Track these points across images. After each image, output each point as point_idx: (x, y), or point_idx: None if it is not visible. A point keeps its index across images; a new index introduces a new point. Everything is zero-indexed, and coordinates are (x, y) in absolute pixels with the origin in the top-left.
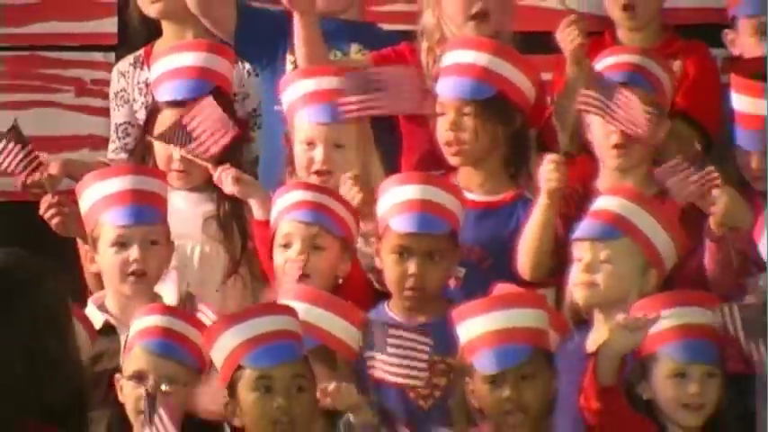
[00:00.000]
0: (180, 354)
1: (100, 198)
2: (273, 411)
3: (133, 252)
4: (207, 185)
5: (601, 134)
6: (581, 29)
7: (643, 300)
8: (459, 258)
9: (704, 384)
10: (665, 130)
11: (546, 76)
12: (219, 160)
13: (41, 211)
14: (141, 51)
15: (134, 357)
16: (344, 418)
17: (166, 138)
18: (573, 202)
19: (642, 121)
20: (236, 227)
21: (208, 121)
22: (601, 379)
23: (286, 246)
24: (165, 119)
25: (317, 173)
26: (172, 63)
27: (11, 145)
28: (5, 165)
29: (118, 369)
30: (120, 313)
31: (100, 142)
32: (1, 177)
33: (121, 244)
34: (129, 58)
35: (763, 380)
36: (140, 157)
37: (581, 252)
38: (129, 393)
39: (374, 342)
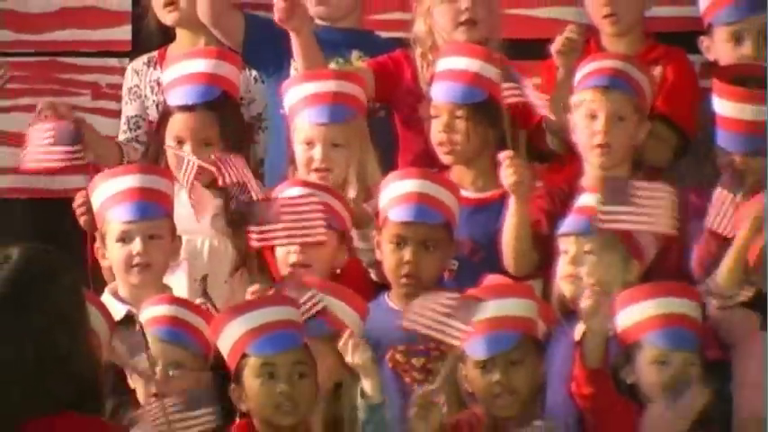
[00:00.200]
0: (186, 340)
1: (108, 196)
2: (277, 396)
3: (135, 246)
4: (215, 183)
5: (585, 135)
6: (578, 44)
7: (627, 290)
8: (455, 252)
9: (685, 371)
10: (646, 131)
11: (534, 81)
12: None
13: (75, 205)
14: (156, 53)
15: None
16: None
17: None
18: (558, 199)
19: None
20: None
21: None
22: (588, 362)
23: None
24: (176, 122)
25: (317, 170)
26: (183, 69)
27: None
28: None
29: None
30: (133, 303)
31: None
32: (16, 174)
33: (125, 239)
34: (144, 58)
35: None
36: (154, 159)
37: (566, 246)
38: (138, 380)
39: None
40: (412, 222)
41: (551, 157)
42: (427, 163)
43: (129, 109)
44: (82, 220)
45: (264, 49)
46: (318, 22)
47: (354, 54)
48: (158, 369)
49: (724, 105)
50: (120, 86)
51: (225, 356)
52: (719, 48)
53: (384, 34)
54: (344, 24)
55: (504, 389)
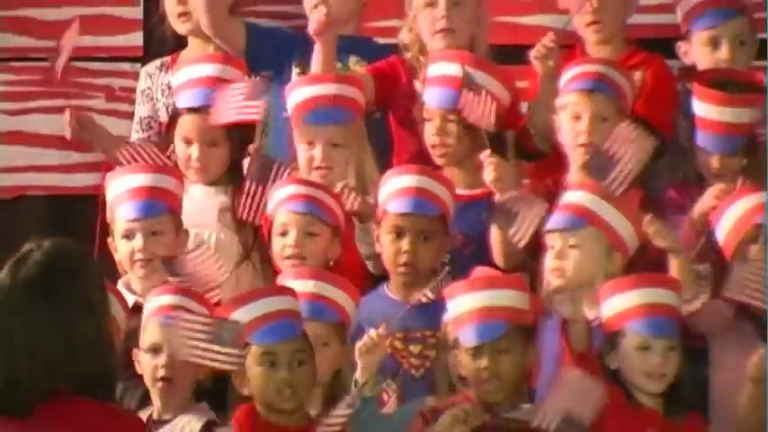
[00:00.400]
0: None
1: (117, 194)
2: (278, 383)
3: (137, 242)
4: (222, 180)
5: (570, 135)
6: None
7: (611, 281)
8: (450, 245)
9: (666, 356)
10: None
11: (521, 85)
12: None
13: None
14: (168, 58)
15: (149, 332)
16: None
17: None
18: (544, 195)
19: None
20: None
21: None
22: (575, 347)
23: (283, 234)
24: (185, 123)
25: (317, 169)
26: (191, 73)
27: None
28: None
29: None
30: (142, 295)
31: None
32: (34, 173)
33: (128, 236)
34: (157, 62)
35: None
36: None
37: (552, 241)
38: (146, 364)
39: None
40: (410, 214)
41: (538, 157)
42: (421, 162)
43: (141, 110)
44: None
45: (265, 56)
46: None
47: (352, 59)
48: (163, 355)
49: (704, 108)
50: (131, 90)
51: None
52: (697, 52)
53: (381, 40)
54: (344, 31)
55: (491, 375)
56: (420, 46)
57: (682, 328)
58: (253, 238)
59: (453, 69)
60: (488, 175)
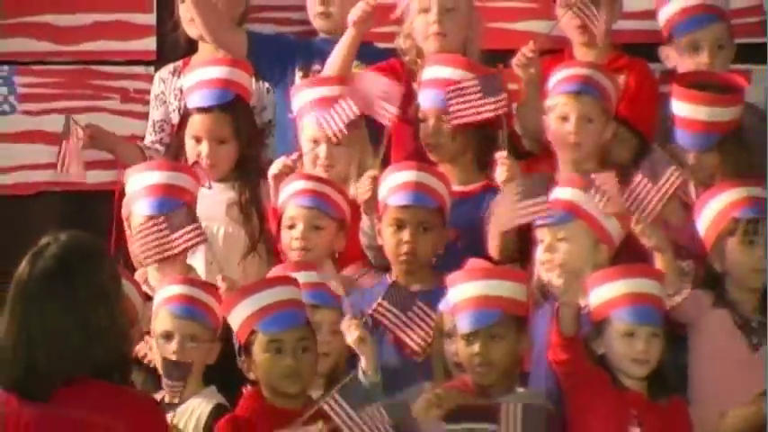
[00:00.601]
0: (199, 316)
1: (135, 190)
2: (283, 369)
3: None
4: (230, 177)
5: (558, 135)
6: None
7: (597, 272)
8: (447, 237)
9: (649, 343)
10: (612, 131)
11: (512, 87)
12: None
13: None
14: (180, 62)
15: (161, 320)
16: (351, 374)
17: None
18: None
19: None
20: (254, 212)
21: None
22: (563, 331)
23: (291, 227)
24: (195, 122)
25: (322, 166)
26: (200, 75)
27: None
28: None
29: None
30: (158, 284)
31: (140, 141)
32: (53, 170)
33: None
34: (170, 67)
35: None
36: (174, 155)
37: (542, 235)
38: (158, 351)
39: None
40: (410, 206)
41: (528, 155)
42: (418, 159)
43: (155, 114)
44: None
45: (267, 62)
46: (321, 34)
47: (353, 63)
48: (175, 342)
49: (681, 107)
50: (145, 92)
51: (235, 331)
52: (678, 56)
53: (381, 45)
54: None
55: (483, 360)
56: (417, 51)
57: (665, 316)
58: (259, 230)
59: (446, 72)
60: (500, 174)
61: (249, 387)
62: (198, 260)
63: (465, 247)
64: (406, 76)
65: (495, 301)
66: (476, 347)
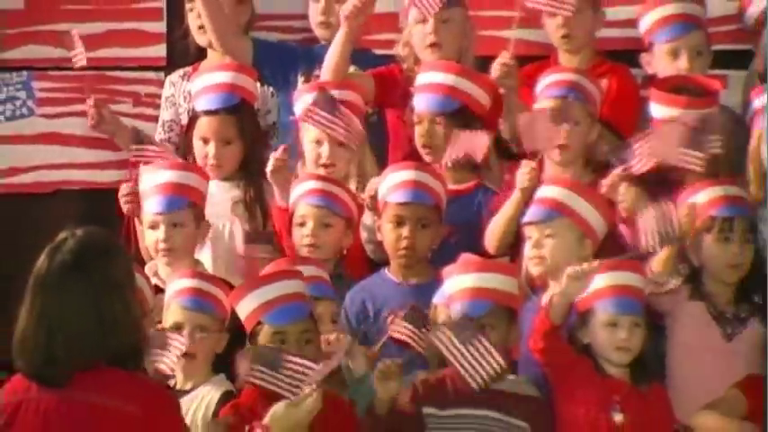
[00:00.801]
0: (208, 308)
1: (147, 188)
2: None
3: (159, 233)
4: (235, 176)
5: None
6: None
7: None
8: (443, 233)
9: (631, 332)
10: (596, 132)
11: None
12: (245, 161)
13: (120, 195)
14: (190, 68)
15: (172, 312)
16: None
17: None
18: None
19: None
20: (258, 209)
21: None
22: (553, 318)
23: (302, 224)
24: (202, 124)
25: (324, 166)
26: (208, 80)
27: None
28: None
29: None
30: (167, 278)
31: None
32: (69, 169)
33: (153, 227)
34: (180, 72)
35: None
36: (183, 155)
37: (530, 232)
38: None
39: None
40: (409, 203)
41: (516, 156)
42: (414, 159)
43: (165, 114)
44: (125, 208)
45: (271, 67)
46: (323, 42)
47: (352, 69)
48: (185, 332)
49: (659, 110)
50: (156, 96)
51: (242, 321)
52: (659, 63)
53: (378, 51)
54: None
55: None
56: (414, 58)
57: (646, 306)
58: (263, 227)
59: (439, 77)
60: (523, 182)
61: None
62: (205, 255)
63: (458, 242)
64: (403, 80)
65: (488, 293)
66: None
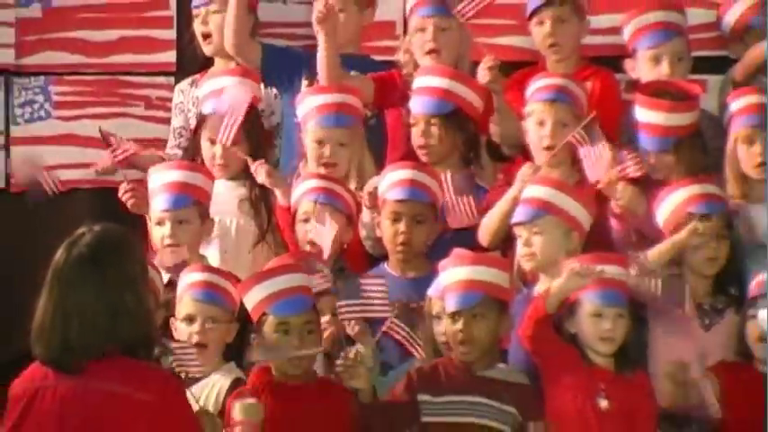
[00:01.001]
0: (219, 300)
1: (155, 186)
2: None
3: (165, 230)
4: (241, 175)
5: (535, 138)
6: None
7: (570, 260)
8: (439, 229)
9: (615, 322)
10: None
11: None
12: (254, 157)
13: (120, 194)
14: (198, 75)
15: (185, 305)
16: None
17: None
18: None
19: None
20: (263, 206)
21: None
22: (548, 307)
23: (305, 221)
24: (210, 126)
25: (325, 165)
26: (214, 85)
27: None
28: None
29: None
30: (174, 272)
31: (162, 143)
32: (83, 169)
33: (160, 223)
34: (188, 80)
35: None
36: (191, 156)
37: (519, 231)
38: (182, 332)
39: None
40: (406, 200)
41: (507, 158)
42: (411, 159)
43: (175, 121)
44: (129, 204)
45: (279, 71)
46: None
47: (353, 74)
48: (197, 323)
49: (644, 113)
50: (166, 99)
51: (249, 312)
52: (641, 68)
53: (378, 57)
54: (346, 50)
55: (465, 337)
56: (414, 64)
57: (630, 298)
58: (267, 223)
59: (434, 81)
60: (522, 183)
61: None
62: (213, 250)
63: (451, 237)
64: (403, 85)
65: (479, 285)
66: (459, 325)
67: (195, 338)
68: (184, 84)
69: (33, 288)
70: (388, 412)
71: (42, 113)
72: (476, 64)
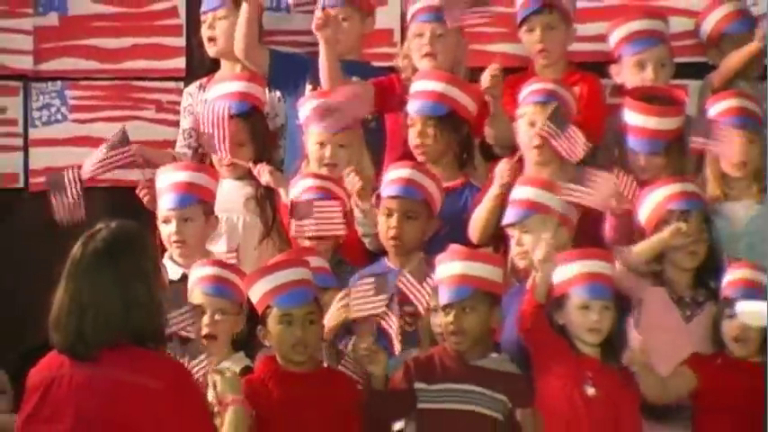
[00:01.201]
0: (228, 293)
1: (162, 186)
2: (293, 339)
3: (171, 227)
4: (247, 175)
5: (525, 139)
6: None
7: (559, 254)
8: (436, 226)
9: (602, 314)
10: None
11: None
12: (257, 160)
13: (138, 191)
14: (205, 78)
15: (195, 298)
16: (353, 340)
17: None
18: (506, 188)
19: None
20: (268, 204)
21: None
22: (537, 297)
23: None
24: None
25: (326, 165)
26: (221, 89)
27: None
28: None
29: None
30: (185, 266)
31: (172, 144)
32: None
33: (167, 221)
34: (197, 83)
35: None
36: (200, 157)
37: (511, 232)
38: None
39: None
40: (397, 197)
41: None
42: (409, 159)
43: (184, 123)
44: (145, 200)
45: (285, 75)
46: None
47: (354, 80)
48: (207, 316)
49: (634, 117)
50: (176, 103)
51: (255, 304)
52: (626, 73)
53: (377, 63)
54: (347, 57)
55: (456, 328)
56: (412, 69)
57: (616, 292)
58: (272, 220)
59: (431, 85)
60: (502, 176)
61: (265, 352)
62: (221, 246)
63: (446, 234)
64: (401, 89)
65: (471, 280)
66: (450, 317)
67: (205, 330)
68: (192, 87)
69: (52, 284)
70: (388, 400)
71: (59, 116)
72: (471, 69)
